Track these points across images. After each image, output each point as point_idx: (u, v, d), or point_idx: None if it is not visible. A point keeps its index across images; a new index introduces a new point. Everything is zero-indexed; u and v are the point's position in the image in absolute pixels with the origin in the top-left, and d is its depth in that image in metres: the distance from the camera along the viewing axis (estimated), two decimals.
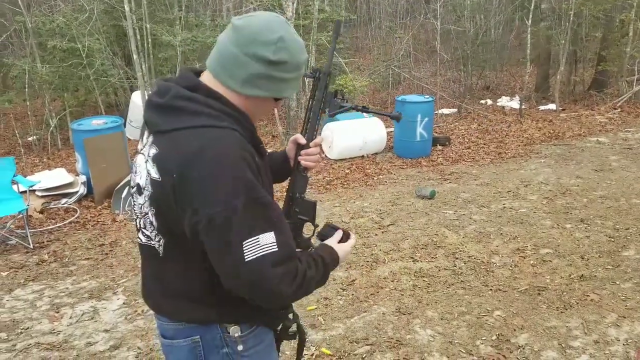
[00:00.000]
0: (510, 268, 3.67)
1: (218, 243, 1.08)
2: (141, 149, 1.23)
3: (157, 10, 9.67)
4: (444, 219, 4.64)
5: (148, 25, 8.34)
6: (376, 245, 4.14)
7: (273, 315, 1.30)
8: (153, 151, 1.16)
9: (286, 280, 1.10)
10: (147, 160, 1.17)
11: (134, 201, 1.29)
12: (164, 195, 1.13)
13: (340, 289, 3.48)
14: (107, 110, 9.57)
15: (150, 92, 1.26)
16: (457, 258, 3.86)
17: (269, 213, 1.11)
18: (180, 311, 1.24)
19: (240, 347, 1.24)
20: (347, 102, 1.57)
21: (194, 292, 1.21)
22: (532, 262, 3.75)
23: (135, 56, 6.55)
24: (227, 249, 1.07)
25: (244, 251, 1.06)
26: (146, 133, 1.22)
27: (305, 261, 1.19)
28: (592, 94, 10.38)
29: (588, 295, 3.27)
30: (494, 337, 2.88)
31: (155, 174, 1.14)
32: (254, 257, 1.06)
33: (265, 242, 1.08)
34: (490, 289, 3.40)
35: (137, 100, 8.36)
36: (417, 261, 3.84)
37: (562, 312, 3.10)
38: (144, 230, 1.25)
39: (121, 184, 5.32)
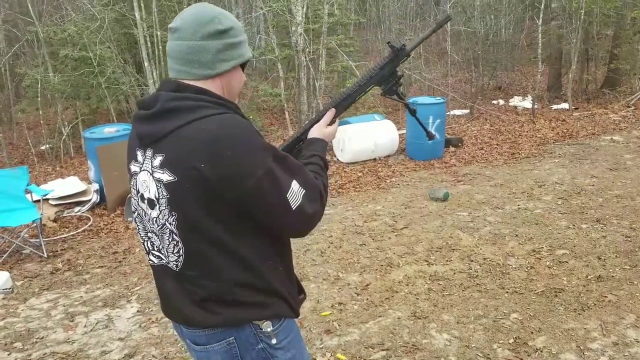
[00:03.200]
0: (526, 270, 3.63)
1: (267, 204, 1.18)
2: (139, 169, 1.25)
3: (168, 18, 9.75)
4: (458, 221, 4.61)
5: (159, 33, 8.41)
6: (390, 248, 4.11)
7: (294, 303, 1.36)
8: (158, 160, 1.19)
9: (320, 207, 1.27)
10: (153, 172, 1.20)
11: (142, 220, 1.29)
12: (188, 191, 1.15)
13: (355, 293, 3.46)
14: (119, 118, 9.66)
15: (136, 113, 1.28)
16: (472, 260, 3.82)
17: (289, 163, 1.22)
18: (211, 318, 1.25)
19: (274, 341, 1.29)
20: (404, 96, 1.62)
21: (224, 295, 1.24)
22: (548, 263, 3.70)
23: (146, 63, 6.61)
24: (277, 206, 1.18)
25: (290, 202, 1.19)
26: (139, 152, 1.25)
27: (316, 173, 1.32)
28: (605, 92, 10.26)
29: (606, 296, 3.22)
30: (511, 341, 2.84)
31: (169, 177, 1.17)
32: (297, 204, 1.20)
33: (297, 189, 1.20)
34: (507, 292, 3.36)
35: None
36: (432, 264, 3.81)
37: (579, 314, 3.06)
38: (153, 252, 1.30)
39: None
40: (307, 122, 1.55)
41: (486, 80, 11.66)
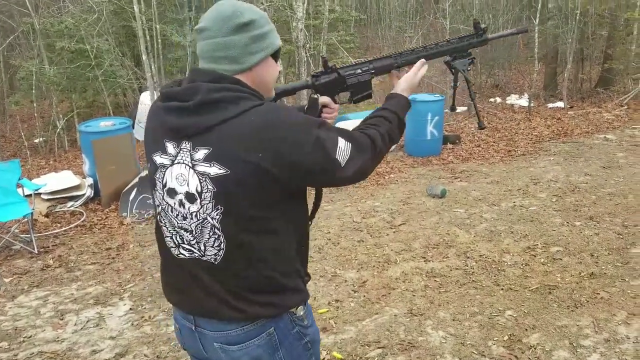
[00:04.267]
0: (521, 267, 3.67)
1: (321, 169, 1.22)
2: (170, 162, 1.23)
3: (167, 11, 9.70)
4: (455, 217, 4.64)
5: (158, 26, 8.36)
6: (387, 245, 4.14)
7: (305, 287, 1.40)
8: (202, 152, 1.18)
9: (370, 156, 1.31)
10: (194, 165, 1.19)
11: (168, 215, 1.28)
12: (240, 183, 1.17)
13: (352, 290, 3.48)
14: (116, 111, 9.60)
15: (159, 102, 1.26)
16: (468, 257, 3.85)
17: (327, 127, 1.27)
18: (254, 310, 1.27)
19: (305, 322, 1.36)
20: (469, 80, 1.69)
21: (266, 285, 1.27)
22: (542, 260, 3.74)
23: (144, 57, 6.58)
24: (329, 169, 1.23)
25: (339, 159, 1.24)
26: (170, 144, 1.23)
27: (375, 125, 1.38)
28: (599, 91, 10.32)
29: (598, 293, 3.26)
30: (505, 338, 2.88)
31: (218, 170, 1.16)
32: (345, 160, 1.25)
33: (344, 145, 1.25)
34: (502, 289, 3.39)
35: (145, 100, 8.38)
36: (429, 261, 3.84)
37: (572, 311, 3.09)
38: (183, 245, 1.27)
39: (129, 186, 5.33)
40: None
41: (484, 78, 11.69)
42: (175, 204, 1.25)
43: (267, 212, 1.22)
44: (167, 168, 1.24)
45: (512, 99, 10.46)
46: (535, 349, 2.77)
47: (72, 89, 9.18)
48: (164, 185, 1.26)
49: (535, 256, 3.82)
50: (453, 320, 3.07)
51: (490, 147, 7.09)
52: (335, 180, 1.28)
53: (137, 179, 5.44)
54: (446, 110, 7.28)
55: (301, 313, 1.34)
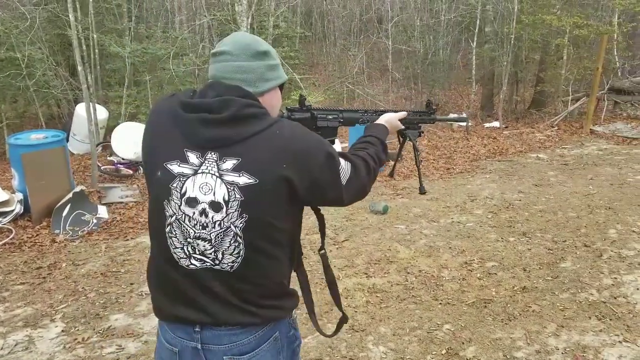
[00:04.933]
0: (459, 281, 3.77)
1: (330, 185, 1.33)
2: (192, 172, 1.26)
3: (105, 20, 9.41)
4: (396, 233, 4.72)
5: (95, 35, 8.08)
6: (331, 261, 4.12)
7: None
8: (231, 163, 1.23)
9: (366, 175, 1.44)
10: (222, 175, 1.24)
11: (181, 226, 1.28)
12: (267, 192, 1.24)
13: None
14: (49, 123, 9.15)
15: (181, 112, 1.27)
16: (408, 273, 3.92)
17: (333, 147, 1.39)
18: (268, 313, 1.35)
19: (296, 324, 1.49)
20: (417, 150, 1.94)
21: (276, 290, 1.37)
22: (478, 275, 3.87)
23: (79, 67, 6.32)
24: (336, 184, 1.34)
25: (341, 177, 1.35)
26: (192, 154, 1.26)
27: (365, 149, 1.52)
28: (532, 112, 10.94)
29: (530, 307, 3.40)
30: (443, 352, 2.94)
31: (247, 180, 1.23)
32: (346, 179, 1.37)
33: (344, 164, 1.37)
34: (440, 303, 3.47)
35: (81, 112, 8.04)
36: (371, 277, 3.87)
37: (506, 324, 3.21)
38: (195, 256, 1.29)
39: (62, 202, 5.07)
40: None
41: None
42: (194, 213, 1.26)
43: (283, 222, 1.30)
44: (189, 177, 1.26)
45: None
46: None
47: (2, 99, 8.68)
48: (183, 195, 1.27)
49: (471, 271, 3.94)
50: (393, 335, 3.11)
51: (431, 164, 7.32)
52: (341, 197, 1.37)
53: (70, 195, 5.19)
54: None
55: (294, 315, 1.46)
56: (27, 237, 4.81)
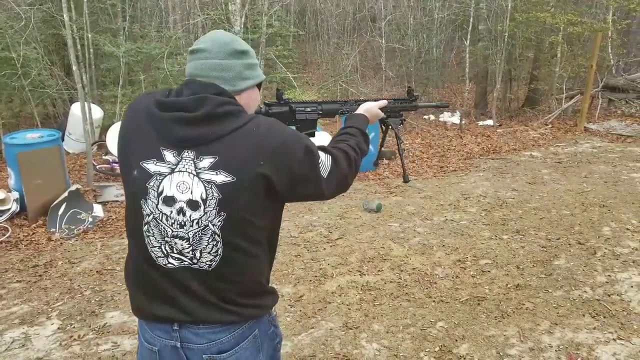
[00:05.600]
0: (452, 279, 3.81)
1: (311, 178, 1.33)
2: (169, 170, 1.25)
3: (100, 20, 9.39)
4: (389, 231, 4.75)
5: (90, 35, 8.07)
6: (324, 259, 4.17)
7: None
8: (208, 161, 1.23)
9: (347, 166, 1.43)
10: (199, 173, 1.23)
11: (159, 225, 1.27)
12: (244, 189, 1.24)
13: (288, 305, 3.47)
14: (44, 122, 9.13)
15: (156, 111, 1.26)
16: (402, 270, 3.95)
17: (311, 141, 1.38)
18: (246, 312, 1.35)
19: (276, 323, 1.48)
20: (400, 138, 1.93)
21: (254, 288, 1.37)
22: (472, 272, 3.90)
23: (74, 67, 6.31)
24: (316, 178, 1.34)
25: (321, 171, 1.35)
26: (169, 152, 1.25)
27: (345, 141, 1.52)
28: (525, 110, 11.00)
29: (523, 304, 3.43)
30: (437, 349, 2.97)
31: (225, 178, 1.23)
32: (327, 172, 1.36)
33: (324, 157, 1.37)
34: (434, 301, 3.50)
35: (76, 111, 8.04)
36: (364, 274, 3.90)
37: (499, 321, 3.24)
38: (172, 254, 1.29)
39: (58, 200, 5.08)
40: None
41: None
42: (172, 212, 1.26)
43: (260, 219, 1.30)
44: (166, 176, 1.25)
45: (445, 117, 10.93)
46: (464, 358, 2.87)
47: None
48: (160, 194, 1.26)
49: (465, 269, 3.98)
50: (387, 332, 3.14)
51: (424, 162, 7.36)
52: (321, 191, 1.37)
53: (66, 193, 5.20)
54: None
55: (274, 313, 1.46)
56: (24, 236, 4.82)
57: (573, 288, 3.61)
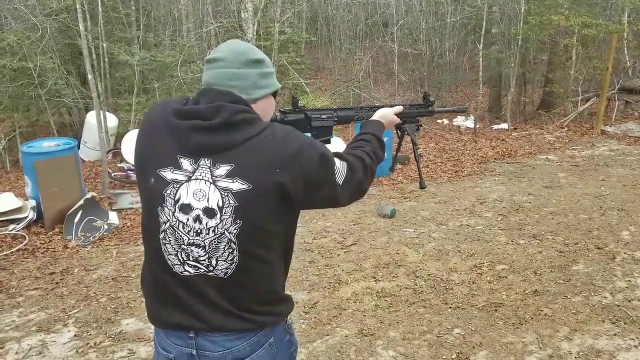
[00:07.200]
0: (468, 285, 3.76)
1: (326, 185, 1.33)
2: (186, 178, 1.25)
3: (115, 29, 9.52)
4: (404, 237, 4.72)
5: (105, 44, 8.19)
6: (339, 265, 4.15)
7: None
8: (224, 169, 1.24)
9: (363, 174, 1.43)
10: (216, 181, 1.24)
11: (175, 232, 1.28)
12: (260, 197, 1.24)
13: (303, 312, 3.46)
14: (61, 131, 9.26)
15: (173, 119, 1.27)
16: (417, 276, 3.91)
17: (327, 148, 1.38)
18: (262, 320, 1.34)
19: (291, 331, 1.47)
20: (416, 144, 1.92)
21: (271, 295, 1.37)
22: (488, 278, 3.85)
23: (90, 76, 6.40)
24: (332, 185, 1.34)
25: (336, 178, 1.34)
26: (185, 160, 1.25)
27: (361, 147, 1.51)
28: (540, 113, 10.87)
29: (542, 310, 3.37)
30: (454, 356, 2.93)
31: (241, 185, 1.23)
32: (342, 179, 1.36)
33: (340, 164, 1.37)
34: (450, 307, 3.46)
35: (92, 120, 8.13)
36: (379, 281, 3.87)
37: (517, 328, 3.19)
38: (189, 262, 1.29)
39: (74, 208, 5.13)
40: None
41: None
42: (188, 219, 1.26)
43: (276, 226, 1.30)
44: (182, 184, 1.26)
45: (459, 121, 10.85)
46: None
47: (15, 108, 8.81)
48: (177, 201, 1.27)
49: (481, 274, 3.92)
50: (403, 339, 3.10)
51: (438, 167, 7.30)
52: (337, 198, 1.36)
53: (82, 201, 5.26)
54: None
55: (289, 321, 1.45)
56: (40, 243, 4.88)
57: (592, 293, 3.55)
